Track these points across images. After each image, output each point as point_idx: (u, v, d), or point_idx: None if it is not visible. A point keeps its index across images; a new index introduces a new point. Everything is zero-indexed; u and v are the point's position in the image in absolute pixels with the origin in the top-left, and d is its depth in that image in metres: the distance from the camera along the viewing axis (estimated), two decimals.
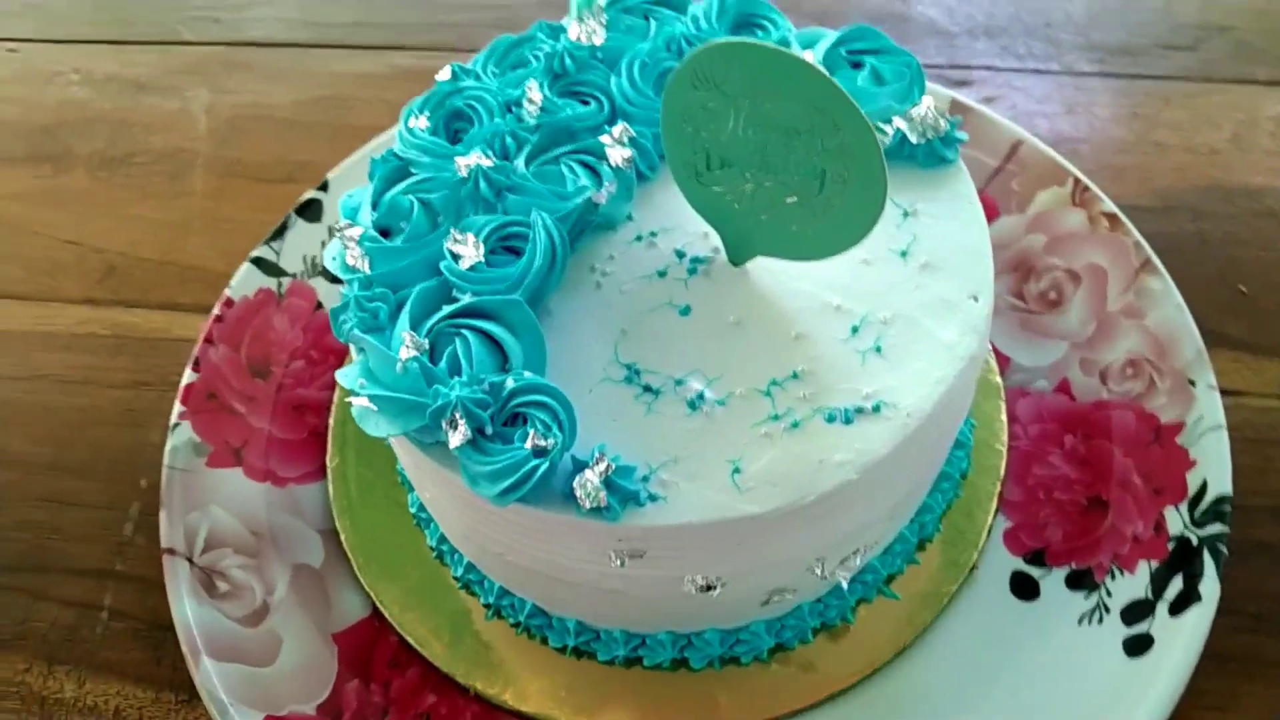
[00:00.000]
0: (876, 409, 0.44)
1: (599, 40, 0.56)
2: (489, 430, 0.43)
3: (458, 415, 0.43)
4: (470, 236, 0.48)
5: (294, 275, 0.67)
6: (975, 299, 0.48)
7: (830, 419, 0.44)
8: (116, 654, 0.58)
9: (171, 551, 0.55)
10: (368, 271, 0.49)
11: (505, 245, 0.49)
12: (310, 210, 0.69)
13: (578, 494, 0.42)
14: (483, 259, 0.48)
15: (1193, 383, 0.56)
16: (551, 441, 0.42)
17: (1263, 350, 0.63)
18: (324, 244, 0.68)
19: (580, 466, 0.42)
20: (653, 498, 0.43)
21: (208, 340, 0.63)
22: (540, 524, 0.44)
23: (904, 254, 0.49)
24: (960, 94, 0.76)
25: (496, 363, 0.45)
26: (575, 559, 0.46)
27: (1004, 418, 0.59)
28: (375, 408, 0.45)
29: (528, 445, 0.42)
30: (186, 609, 0.54)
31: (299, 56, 0.87)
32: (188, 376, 0.62)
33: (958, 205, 0.51)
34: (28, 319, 0.73)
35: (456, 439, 0.43)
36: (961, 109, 0.68)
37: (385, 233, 0.51)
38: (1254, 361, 0.62)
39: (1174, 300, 0.58)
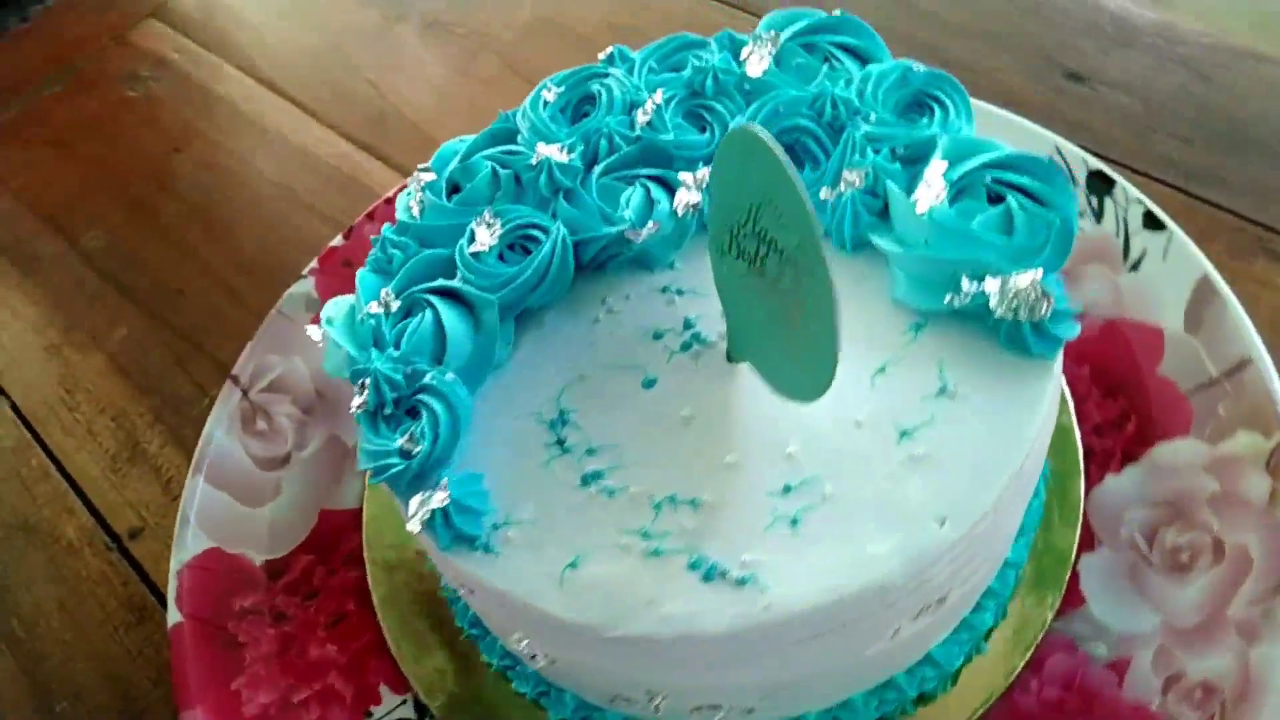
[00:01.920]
0: (742, 581, 0.39)
1: (758, 70, 0.51)
2: (388, 410, 0.44)
3: (366, 384, 0.44)
4: (497, 223, 0.48)
5: None
6: (941, 524, 0.39)
7: (693, 566, 0.40)
8: (191, 435, 0.68)
9: (235, 379, 0.63)
10: (416, 218, 0.51)
11: (524, 244, 0.48)
12: None
13: (410, 508, 0.42)
14: (490, 249, 0.47)
15: None
16: (418, 449, 0.42)
17: None
18: None
19: (431, 484, 0.42)
20: (487, 548, 0.42)
21: (369, 216, 0.69)
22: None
23: (904, 434, 0.41)
24: (1244, 265, 0.60)
25: (439, 352, 0.45)
26: (435, 558, 0.46)
27: (1021, 661, 0.49)
28: (322, 343, 0.47)
29: (398, 443, 0.43)
30: (214, 431, 0.61)
31: None
32: (336, 240, 0.68)
33: (1012, 412, 0.41)
34: (303, 132, 0.85)
35: (355, 404, 0.44)
36: (1207, 293, 0.54)
37: (457, 189, 0.52)
38: None
39: None
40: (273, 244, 0.78)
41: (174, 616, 0.55)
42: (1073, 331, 0.42)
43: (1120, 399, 0.56)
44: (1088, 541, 0.52)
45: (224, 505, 0.59)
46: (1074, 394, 0.57)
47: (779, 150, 0.37)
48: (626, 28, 0.85)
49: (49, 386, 0.74)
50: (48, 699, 0.59)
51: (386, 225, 0.51)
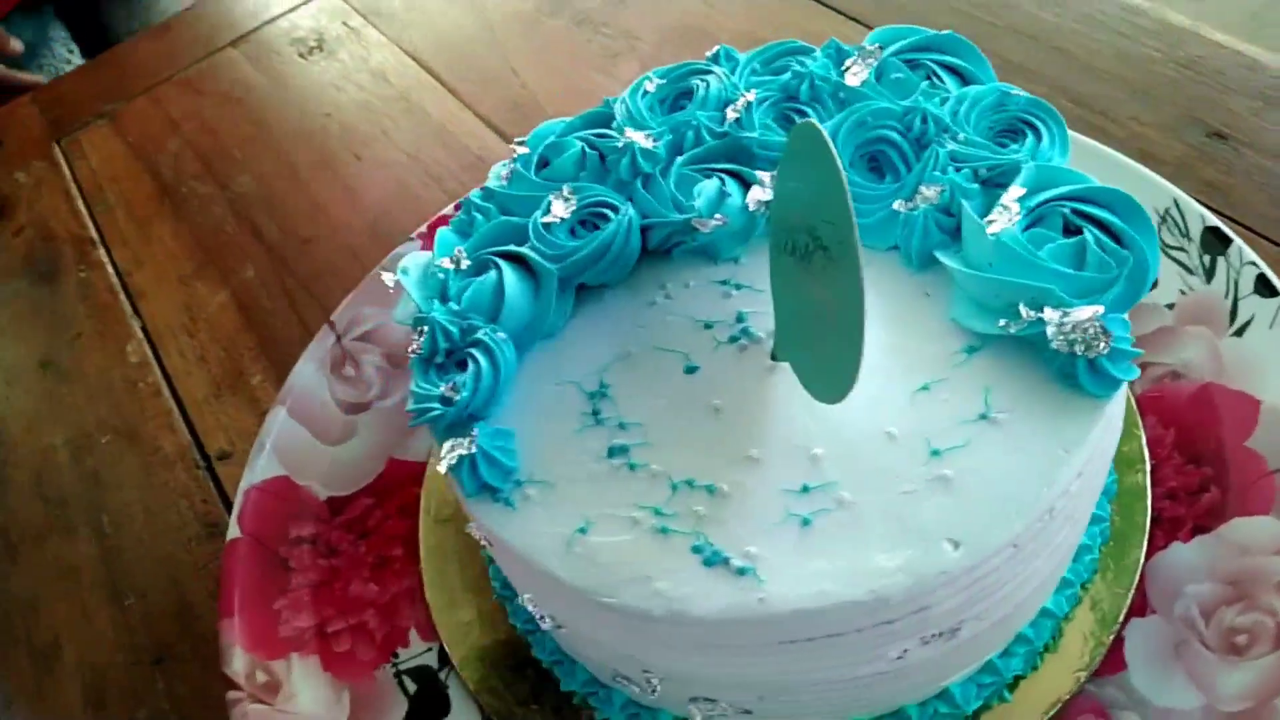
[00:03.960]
0: (742, 571, 0.39)
1: (856, 81, 0.51)
2: (439, 359, 0.46)
3: (424, 331, 0.46)
4: (574, 199, 0.49)
5: None
6: (955, 547, 0.38)
7: (696, 549, 0.40)
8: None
9: (332, 324, 0.67)
10: (505, 186, 0.53)
11: (594, 222, 0.49)
12: None
13: (443, 450, 0.43)
14: (563, 222, 0.49)
15: None
16: (458, 397, 0.44)
17: None
18: None
19: (464, 432, 0.44)
20: (507, 502, 0.43)
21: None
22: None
23: (935, 453, 0.40)
24: None
25: (496, 312, 0.47)
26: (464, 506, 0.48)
27: (1045, 718, 0.46)
28: (394, 290, 0.50)
29: (441, 390, 0.44)
30: (304, 368, 0.65)
31: None
32: (447, 209, 0.71)
33: (1052, 447, 0.40)
34: (441, 109, 0.89)
35: (411, 349, 0.46)
36: None
37: (546, 164, 0.53)
38: None
39: None
40: (394, 208, 0.82)
41: (233, 532, 0.58)
42: (1131, 374, 0.40)
43: (1202, 468, 0.52)
44: (1140, 607, 0.49)
45: (301, 438, 0.63)
46: (1154, 455, 0.54)
47: (830, 145, 0.37)
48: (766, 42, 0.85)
49: (175, 313, 0.80)
50: (119, 591, 0.64)
51: (475, 190, 0.53)
